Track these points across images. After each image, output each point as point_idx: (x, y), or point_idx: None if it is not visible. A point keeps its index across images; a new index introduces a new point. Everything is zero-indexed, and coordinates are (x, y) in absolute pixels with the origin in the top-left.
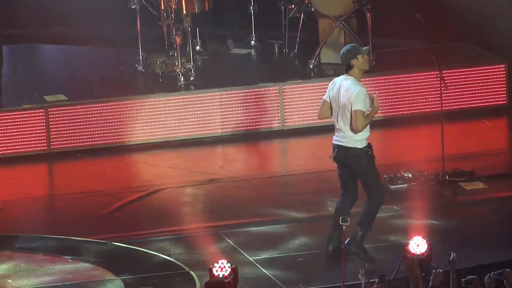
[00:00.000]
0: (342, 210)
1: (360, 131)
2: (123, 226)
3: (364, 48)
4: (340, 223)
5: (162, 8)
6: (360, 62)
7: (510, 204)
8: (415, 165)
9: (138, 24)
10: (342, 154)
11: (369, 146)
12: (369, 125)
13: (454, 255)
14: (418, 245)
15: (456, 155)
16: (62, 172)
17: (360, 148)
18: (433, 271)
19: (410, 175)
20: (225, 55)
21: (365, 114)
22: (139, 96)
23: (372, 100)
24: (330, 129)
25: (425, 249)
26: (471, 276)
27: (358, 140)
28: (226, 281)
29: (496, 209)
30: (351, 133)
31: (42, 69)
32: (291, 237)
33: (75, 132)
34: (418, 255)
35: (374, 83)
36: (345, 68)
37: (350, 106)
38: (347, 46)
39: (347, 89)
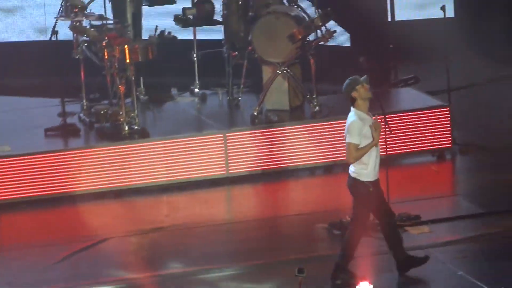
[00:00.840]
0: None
1: (352, 163)
2: (69, 277)
3: (362, 78)
4: (296, 274)
5: (106, 57)
6: (360, 92)
7: (456, 248)
8: None
9: (82, 73)
10: (349, 183)
11: (374, 182)
12: (373, 158)
13: None
14: None
15: (402, 200)
16: (6, 223)
17: (362, 181)
18: None
19: None
20: (169, 103)
21: (358, 147)
22: (84, 145)
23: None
24: (274, 175)
25: None
26: None
27: (364, 174)
28: None
29: (442, 253)
30: (354, 165)
31: None
32: (238, 284)
33: (20, 183)
34: None
35: (318, 128)
36: (350, 102)
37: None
38: (347, 80)
39: (347, 120)
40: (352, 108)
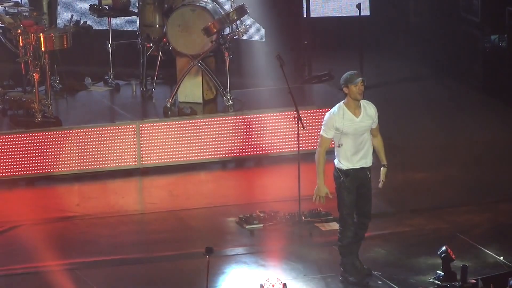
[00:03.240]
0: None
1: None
2: None
3: (357, 80)
4: (204, 253)
5: (21, 44)
6: (350, 91)
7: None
8: (272, 205)
9: None
10: None
11: (346, 172)
12: (360, 149)
13: None
14: (273, 286)
15: (312, 196)
16: None
17: (336, 168)
18: None
19: (266, 215)
20: (82, 93)
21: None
22: None
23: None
24: (186, 168)
25: None
26: None
27: (338, 161)
28: None
29: None
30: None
31: None
32: (146, 276)
33: None
34: None
35: (230, 122)
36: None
37: None
38: (347, 73)
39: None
40: (341, 102)
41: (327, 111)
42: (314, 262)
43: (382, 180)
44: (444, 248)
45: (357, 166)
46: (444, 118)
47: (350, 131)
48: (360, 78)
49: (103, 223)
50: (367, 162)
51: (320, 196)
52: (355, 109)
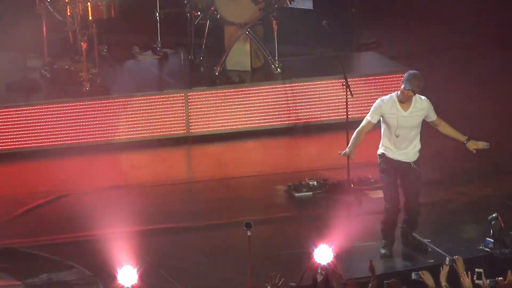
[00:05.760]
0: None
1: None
2: (28, 232)
3: (408, 87)
4: (244, 228)
5: (68, 13)
6: (402, 92)
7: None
8: (321, 173)
9: (44, 29)
10: None
11: (381, 155)
12: (392, 140)
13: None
14: (323, 254)
15: (362, 164)
16: None
17: (378, 152)
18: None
19: (315, 183)
20: (130, 61)
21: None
22: (45, 101)
23: None
24: (234, 136)
25: (331, 257)
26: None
27: (380, 144)
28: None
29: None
30: None
31: None
32: (196, 244)
33: None
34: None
35: (279, 90)
36: None
37: None
38: (411, 72)
39: None
40: (395, 92)
41: (375, 78)
42: (364, 229)
43: (483, 146)
44: (494, 215)
45: (393, 157)
46: (494, 86)
47: (393, 122)
48: (410, 89)
49: (152, 192)
50: (407, 158)
51: (344, 152)
52: (402, 107)
